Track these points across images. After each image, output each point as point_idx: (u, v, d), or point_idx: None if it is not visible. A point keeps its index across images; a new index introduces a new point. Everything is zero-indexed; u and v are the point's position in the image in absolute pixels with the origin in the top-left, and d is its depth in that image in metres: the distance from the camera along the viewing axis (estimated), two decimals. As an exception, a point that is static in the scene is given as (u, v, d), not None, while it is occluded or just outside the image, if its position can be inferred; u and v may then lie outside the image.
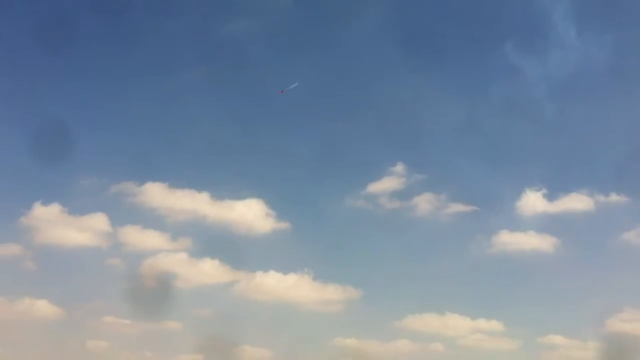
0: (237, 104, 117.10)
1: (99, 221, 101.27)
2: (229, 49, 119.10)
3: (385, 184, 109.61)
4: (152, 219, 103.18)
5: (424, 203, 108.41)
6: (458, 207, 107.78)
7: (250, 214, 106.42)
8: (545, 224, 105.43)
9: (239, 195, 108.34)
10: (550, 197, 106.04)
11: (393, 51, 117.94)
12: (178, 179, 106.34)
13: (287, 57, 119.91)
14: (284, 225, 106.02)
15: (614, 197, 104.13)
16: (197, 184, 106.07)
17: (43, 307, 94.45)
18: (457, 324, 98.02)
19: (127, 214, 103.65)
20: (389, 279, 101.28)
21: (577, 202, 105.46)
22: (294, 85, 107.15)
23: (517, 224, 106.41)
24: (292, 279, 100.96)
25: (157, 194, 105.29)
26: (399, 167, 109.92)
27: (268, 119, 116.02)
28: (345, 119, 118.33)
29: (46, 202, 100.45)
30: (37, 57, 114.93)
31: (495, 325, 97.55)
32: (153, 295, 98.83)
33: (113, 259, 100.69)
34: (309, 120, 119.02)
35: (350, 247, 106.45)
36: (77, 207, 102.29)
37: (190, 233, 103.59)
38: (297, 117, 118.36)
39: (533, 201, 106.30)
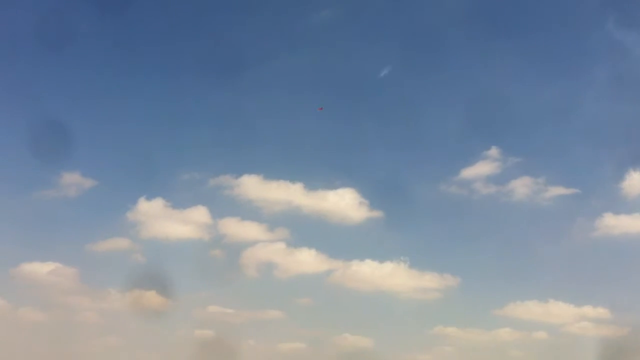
0: (326, 94, 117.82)
1: (200, 214, 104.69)
2: (314, 39, 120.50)
3: (479, 169, 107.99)
4: (249, 211, 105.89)
5: (522, 187, 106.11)
6: (558, 191, 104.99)
7: (343, 203, 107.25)
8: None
9: (331, 185, 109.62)
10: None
11: (482, 33, 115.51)
12: (272, 171, 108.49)
13: (375, 45, 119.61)
14: (377, 213, 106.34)
15: None
16: (290, 175, 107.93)
17: (152, 298, 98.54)
18: (561, 311, 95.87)
19: (225, 206, 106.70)
20: (488, 266, 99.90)
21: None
22: (384, 72, 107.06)
23: (622, 206, 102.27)
24: (388, 267, 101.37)
25: (253, 186, 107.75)
26: (494, 151, 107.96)
27: (357, 107, 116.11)
28: (436, 103, 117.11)
29: (150, 197, 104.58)
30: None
31: (601, 312, 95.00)
32: (254, 284, 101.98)
33: (215, 250, 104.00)
34: (398, 107, 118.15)
35: (446, 234, 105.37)
36: (179, 201, 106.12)
37: (287, 223, 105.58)
38: (387, 104, 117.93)
39: (638, 182, 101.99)
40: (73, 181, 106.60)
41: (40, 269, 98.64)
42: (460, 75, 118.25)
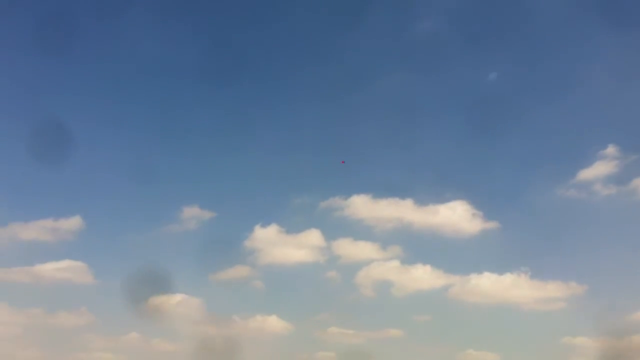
0: (433, 105, 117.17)
1: (314, 237, 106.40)
2: (422, 50, 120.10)
3: (597, 170, 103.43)
4: (361, 230, 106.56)
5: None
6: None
7: (456, 216, 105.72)
8: None
9: (442, 199, 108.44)
10: None
11: (594, 28, 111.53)
12: (381, 189, 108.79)
13: (481, 50, 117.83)
14: (492, 224, 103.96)
15: None
16: (399, 192, 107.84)
17: (274, 323, 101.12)
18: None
19: (338, 227, 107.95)
20: (615, 270, 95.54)
21: None
22: (491, 76, 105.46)
23: None
24: (508, 279, 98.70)
25: (362, 206, 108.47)
26: (611, 150, 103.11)
27: (464, 114, 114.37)
28: (546, 104, 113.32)
29: (265, 224, 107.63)
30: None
31: None
32: (371, 303, 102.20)
33: (330, 272, 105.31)
34: (508, 111, 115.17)
35: (568, 240, 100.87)
36: (292, 226, 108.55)
37: (399, 241, 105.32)
38: (496, 110, 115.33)
39: None
40: (193, 215, 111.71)
41: (169, 300, 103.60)
42: (569, 73, 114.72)
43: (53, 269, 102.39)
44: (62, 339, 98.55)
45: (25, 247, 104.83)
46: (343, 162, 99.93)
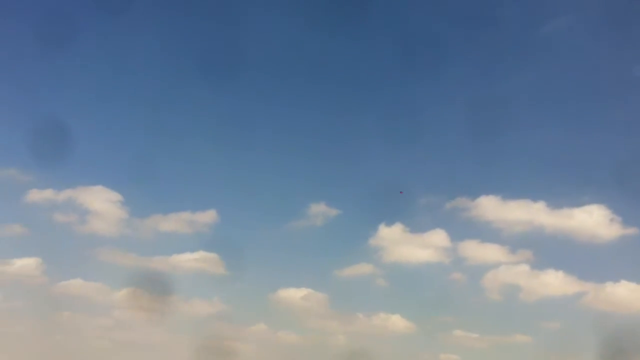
0: (570, 103, 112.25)
1: (439, 237, 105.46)
2: (553, 48, 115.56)
3: None
4: (488, 232, 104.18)
5: None
6: None
7: (592, 220, 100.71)
8: None
9: (577, 202, 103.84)
10: None
11: None
12: (511, 190, 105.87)
13: (623, 45, 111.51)
14: (632, 230, 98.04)
15: None
16: (531, 194, 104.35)
17: (397, 322, 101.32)
18: None
19: (464, 228, 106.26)
20: None
21: None
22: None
23: None
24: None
25: (491, 207, 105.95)
26: None
27: (604, 114, 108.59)
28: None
29: (389, 222, 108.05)
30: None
31: None
32: (498, 308, 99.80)
33: (455, 274, 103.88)
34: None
35: None
36: (417, 226, 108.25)
37: (529, 244, 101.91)
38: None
39: None
40: (320, 211, 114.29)
41: (295, 294, 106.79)
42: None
43: (188, 259, 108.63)
44: (195, 326, 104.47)
45: (164, 238, 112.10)
46: (402, 192, 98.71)
